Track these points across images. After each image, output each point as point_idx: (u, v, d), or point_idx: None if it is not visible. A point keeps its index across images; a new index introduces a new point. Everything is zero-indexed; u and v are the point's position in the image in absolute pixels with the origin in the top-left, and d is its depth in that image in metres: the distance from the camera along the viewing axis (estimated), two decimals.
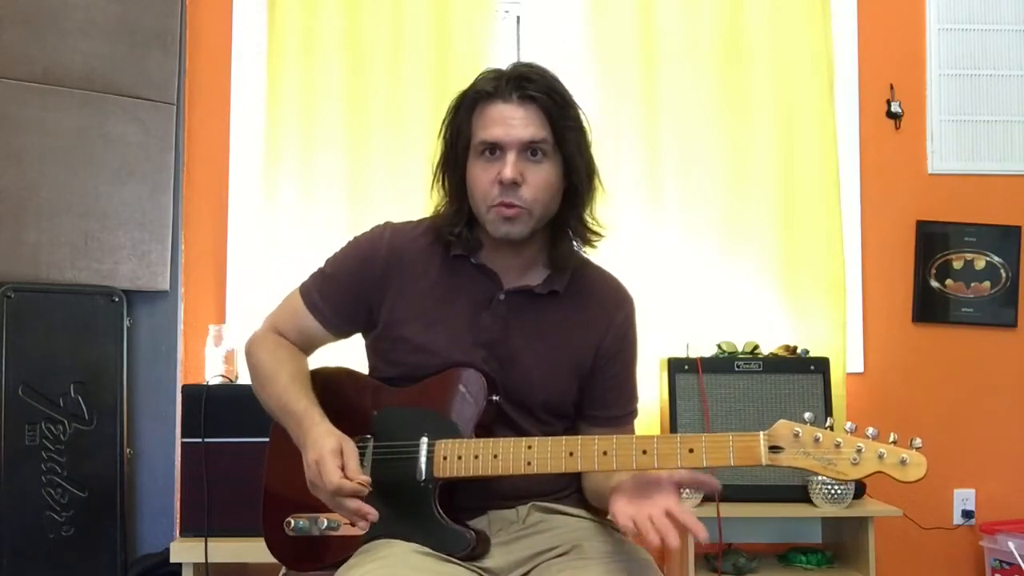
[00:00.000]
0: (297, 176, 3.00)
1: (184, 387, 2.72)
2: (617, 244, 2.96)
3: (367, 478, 1.47)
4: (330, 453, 1.47)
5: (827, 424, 1.37)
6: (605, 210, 3.08)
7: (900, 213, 3.16)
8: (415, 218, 1.73)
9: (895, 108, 3.17)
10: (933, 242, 3.16)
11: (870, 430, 1.35)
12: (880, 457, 1.33)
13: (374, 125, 3.01)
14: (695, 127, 3.05)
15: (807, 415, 1.38)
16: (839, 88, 3.10)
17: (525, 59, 3.20)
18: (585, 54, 3.09)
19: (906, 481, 1.33)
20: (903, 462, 1.32)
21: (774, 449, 1.36)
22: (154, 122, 2.96)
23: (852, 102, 3.16)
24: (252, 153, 3.06)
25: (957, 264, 3.16)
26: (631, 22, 3.07)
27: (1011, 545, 2.80)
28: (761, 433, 1.37)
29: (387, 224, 1.71)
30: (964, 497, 3.10)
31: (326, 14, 3.03)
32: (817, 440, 1.35)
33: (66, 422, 2.73)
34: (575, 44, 3.11)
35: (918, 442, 1.34)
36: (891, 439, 1.34)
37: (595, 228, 1.65)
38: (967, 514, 3.09)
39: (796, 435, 1.36)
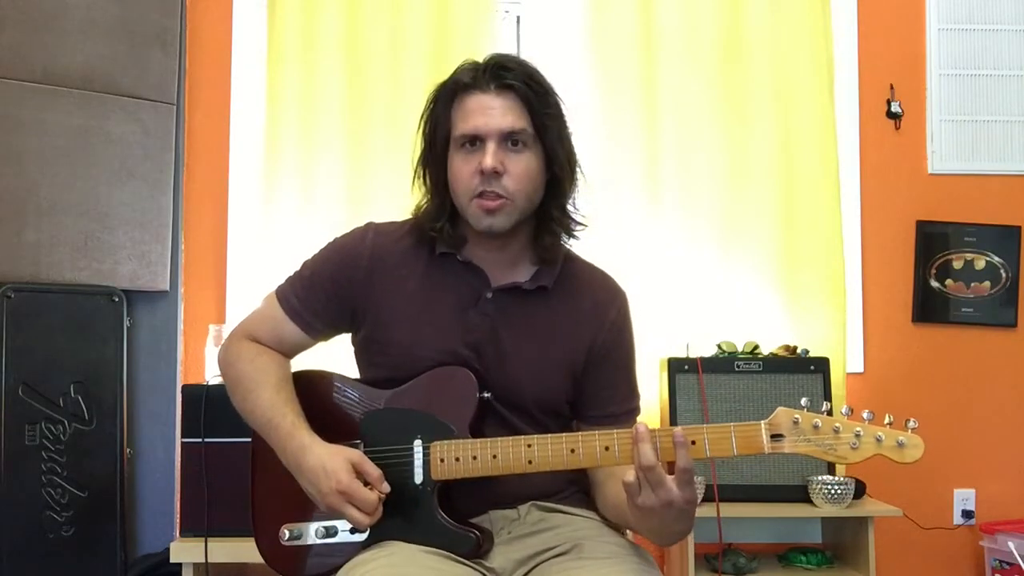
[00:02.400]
0: (297, 176, 3.00)
1: (184, 387, 2.72)
2: (617, 244, 2.99)
3: (387, 484, 1.48)
4: (348, 475, 1.46)
5: (823, 408, 1.39)
6: (605, 209, 3.09)
7: (900, 213, 3.16)
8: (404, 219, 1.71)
9: (895, 108, 3.17)
10: (933, 242, 3.16)
11: (865, 413, 1.38)
12: (878, 440, 1.36)
13: (374, 125, 3.01)
14: (695, 127, 3.05)
15: (803, 400, 1.40)
16: (839, 88, 3.10)
17: (525, 59, 3.22)
18: (585, 54, 3.09)
19: (904, 462, 1.36)
20: (900, 444, 1.35)
21: (775, 437, 1.39)
22: (154, 122, 2.96)
23: (852, 102, 3.16)
24: (252, 153, 3.06)
25: (957, 264, 3.16)
26: (631, 22, 3.07)
27: (1011, 545, 2.79)
28: (762, 422, 1.39)
29: (369, 225, 1.69)
30: (964, 497, 3.10)
31: (326, 14, 3.03)
32: (816, 427, 1.38)
33: (66, 422, 2.73)
34: (575, 44, 3.11)
35: (913, 423, 1.37)
36: (887, 421, 1.37)
37: (578, 218, 1.64)
38: (967, 514, 3.09)
39: (796, 422, 1.38)
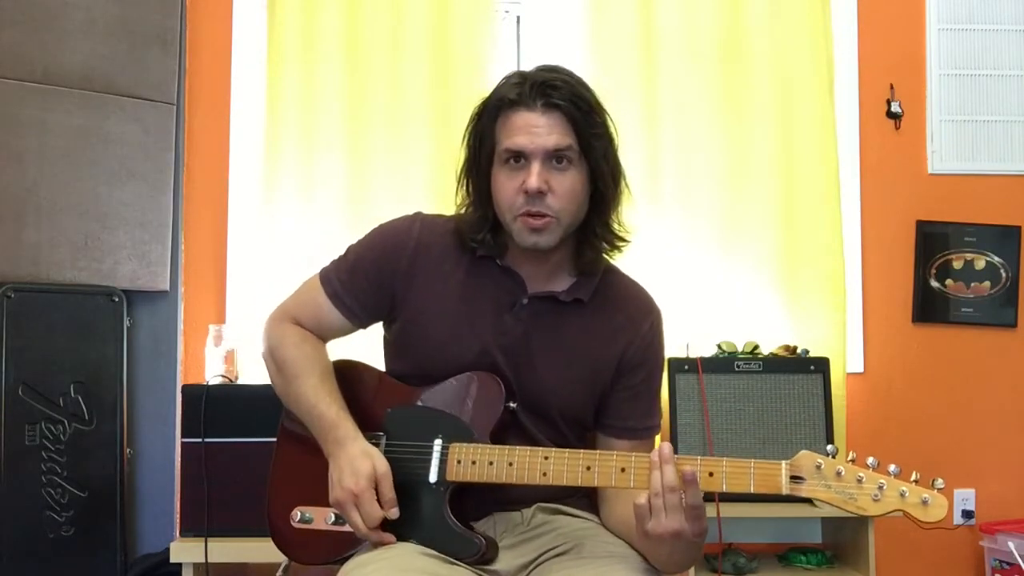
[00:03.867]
0: (297, 176, 3.00)
1: (184, 387, 2.72)
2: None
3: (397, 510, 1.49)
4: (368, 482, 1.47)
5: (849, 457, 1.36)
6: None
7: (900, 213, 3.16)
8: (444, 213, 1.70)
9: (895, 108, 3.17)
10: (933, 242, 3.16)
11: (892, 467, 1.34)
12: (902, 496, 1.32)
13: (374, 125, 3.01)
14: (695, 127, 3.05)
15: (829, 447, 1.37)
16: (839, 88, 3.10)
17: (525, 59, 3.23)
18: (585, 54, 3.09)
19: (927, 522, 1.32)
20: (924, 502, 1.32)
21: (795, 479, 1.36)
22: (154, 122, 2.96)
23: (852, 102, 3.16)
24: (252, 153, 3.06)
25: (957, 264, 3.16)
26: (631, 22, 3.07)
27: (1011, 545, 2.79)
28: (783, 462, 1.37)
29: (417, 215, 1.69)
30: (964, 497, 3.10)
31: (326, 14, 3.03)
32: (839, 474, 1.34)
33: (66, 422, 2.73)
34: (575, 44, 3.11)
35: (940, 483, 1.33)
36: (913, 478, 1.33)
37: (621, 233, 1.63)
38: (967, 514, 3.09)
39: (818, 467, 1.35)
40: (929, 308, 3.16)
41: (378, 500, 1.49)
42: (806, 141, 3.04)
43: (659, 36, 3.07)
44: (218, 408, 2.57)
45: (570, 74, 1.57)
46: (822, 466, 1.35)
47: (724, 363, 2.80)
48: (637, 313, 1.66)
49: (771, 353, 2.86)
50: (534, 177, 1.50)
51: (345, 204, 2.99)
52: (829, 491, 1.34)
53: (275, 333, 1.69)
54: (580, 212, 1.58)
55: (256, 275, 2.96)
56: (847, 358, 2.98)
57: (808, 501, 2.64)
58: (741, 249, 3.04)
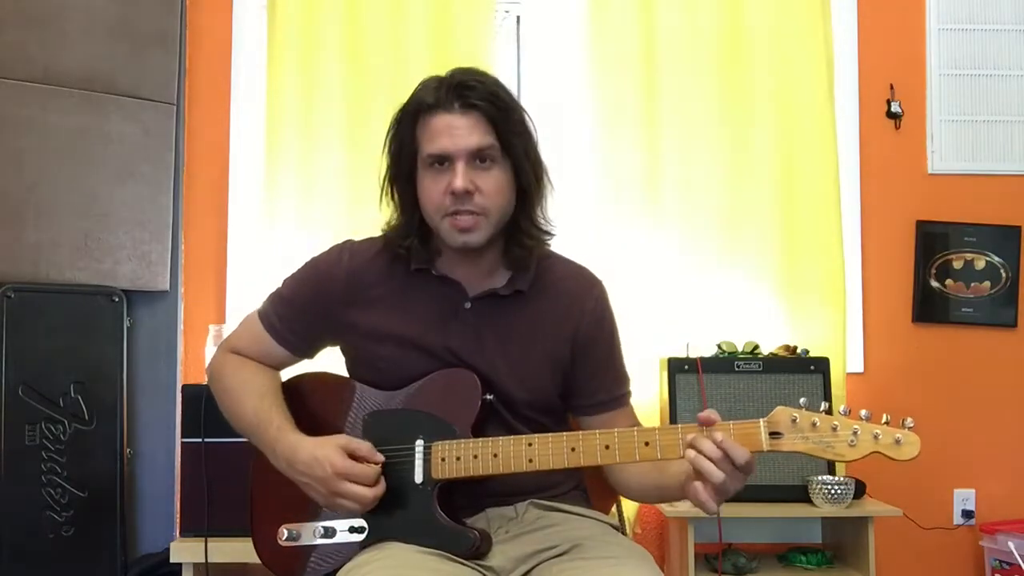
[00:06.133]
0: (297, 176, 3.00)
1: (184, 387, 2.72)
2: (617, 244, 2.99)
3: (380, 455, 1.51)
4: (340, 456, 1.48)
5: (822, 408, 1.41)
6: (606, 208, 3.09)
7: (900, 213, 3.16)
8: (375, 235, 1.71)
9: (895, 108, 3.17)
10: (933, 242, 3.16)
11: (863, 412, 1.39)
12: (875, 438, 1.37)
13: (374, 125, 3.00)
14: (695, 126, 3.05)
15: (802, 400, 1.42)
16: (839, 88, 3.09)
17: (525, 59, 3.24)
18: (585, 54, 3.09)
19: (901, 460, 1.37)
20: (898, 441, 1.36)
21: (774, 435, 1.40)
22: (154, 122, 2.96)
23: (852, 102, 3.16)
24: (252, 153, 3.06)
25: (957, 264, 3.16)
26: (631, 22, 3.07)
27: (1011, 545, 2.80)
28: (761, 420, 1.41)
29: (345, 245, 1.70)
30: (964, 497, 3.10)
31: (326, 14, 3.03)
32: (815, 424, 1.39)
33: (66, 422, 2.73)
34: (575, 44, 3.11)
35: (910, 422, 1.38)
36: (884, 420, 1.39)
37: (546, 228, 1.65)
38: (967, 514, 3.09)
39: (794, 420, 1.40)
40: (929, 308, 3.16)
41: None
42: (806, 141, 3.04)
43: (659, 36, 3.07)
44: (218, 408, 2.56)
45: (485, 74, 1.59)
46: (798, 419, 1.40)
47: (724, 363, 2.79)
48: (580, 291, 1.68)
49: (771, 353, 2.86)
50: (460, 178, 1.51)
51: (345, 204, 2.99)
52: (807, 442, 1.39)
53: (215, 366, 1.72)
54: (508, 208, 1.59)
55: (256, 275, 2.96)
56: (847, 358, 2.99)
57: (807, 500, 2.66)
58: (741, 249, 3.04)
